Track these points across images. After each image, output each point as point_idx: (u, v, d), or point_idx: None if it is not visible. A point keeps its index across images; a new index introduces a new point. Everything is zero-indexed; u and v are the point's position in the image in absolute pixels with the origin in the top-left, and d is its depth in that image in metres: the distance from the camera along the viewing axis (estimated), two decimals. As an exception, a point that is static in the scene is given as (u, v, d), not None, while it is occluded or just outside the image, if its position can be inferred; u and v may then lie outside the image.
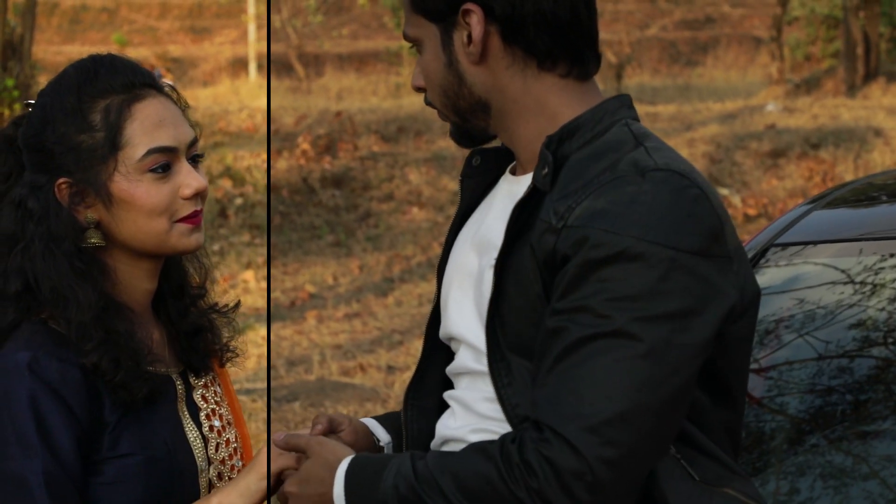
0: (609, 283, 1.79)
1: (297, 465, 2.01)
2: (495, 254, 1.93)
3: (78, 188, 2.10)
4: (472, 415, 1.97)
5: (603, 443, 1.76)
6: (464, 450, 1.87)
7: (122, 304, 2.13)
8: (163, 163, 2.11)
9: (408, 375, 7.93)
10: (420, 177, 12.34)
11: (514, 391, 1.90)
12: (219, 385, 2.27)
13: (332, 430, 2.12)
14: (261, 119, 13.76)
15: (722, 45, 25.35)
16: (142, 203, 2.10)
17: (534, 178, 1.90)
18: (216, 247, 11.13)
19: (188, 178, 2.13)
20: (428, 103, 2.04)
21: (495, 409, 1.94)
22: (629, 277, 1.79)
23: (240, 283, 10.23)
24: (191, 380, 2.22)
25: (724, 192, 11.91)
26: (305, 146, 12.24)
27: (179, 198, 2.12)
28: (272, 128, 13.28)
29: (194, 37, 26.77)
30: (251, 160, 12.32)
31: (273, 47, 24.00)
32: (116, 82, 2.12)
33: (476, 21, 1.92)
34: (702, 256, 1.82)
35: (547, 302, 1.86)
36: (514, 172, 2.04)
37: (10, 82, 11.87)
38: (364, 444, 2.13)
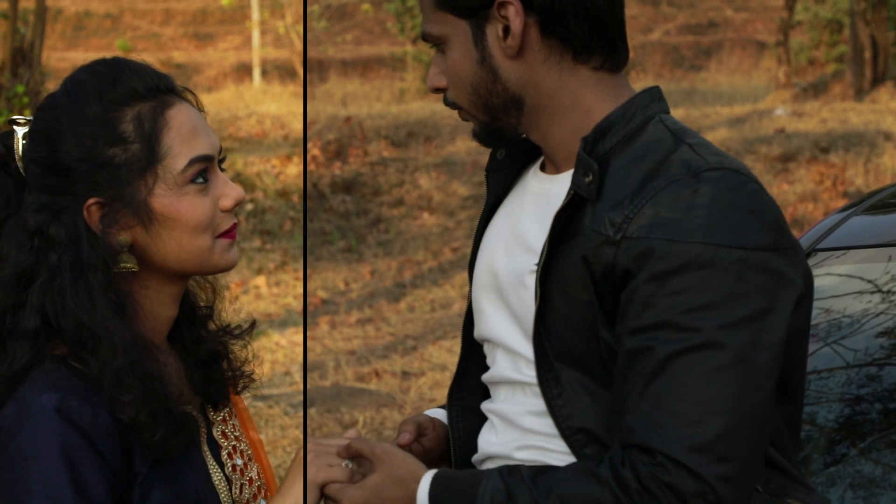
0: (685, 295, 1.74)
1: (350, 479, 1.90)
2: (533, 258, 1.88)
3: (110, 208, 1.87)
4: (516, 430, 1.93)
5: (717, 460, 1.71)
6: (565, 472, 1.80)
7: (147, 340, 1.90)
8: (203, 172, 1.90)
9: (423, 381, 7.95)
10: (430, 182, 12.32)
11: (565, 402, 1.86)
12: (235, 417, 2.09)
13: (420, 435, 2.06)
14: (270, 124, 13.70)
15: (725, 50, 25.34)
16: (187, 218, 1.88)
17: (574, 184, 1.84)
18: (227, 253, 11.11)
19: (225, 189, 1.94)
20: (450, 104, 1.96)
21: (542, 424, 1.89)
22: (704, 285, 1.74)
23: (251, 289, 10.20)
24: (209, 415, 2.04)
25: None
26: (316, 152, 12.21)
27: (219, 210, 1.93)
28: (282, 133, 13.26)
29: (198, 43, 26.77)
30: (261, 166, 12.28)
31: (276, 53, 24.01)
32: (141, 87, 1.89)
33: (514, 13, 1.85)
34: (771, 251, 1.77)
35: (601, 313, 1.81)
36: (542, 168, 1.99)
37: (20, 88, 11.88)
38: (445, 446, 2.08)
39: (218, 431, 2.03)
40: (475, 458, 2.01)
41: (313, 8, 21.78)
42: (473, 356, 2.06)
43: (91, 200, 1.86)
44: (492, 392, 2.00)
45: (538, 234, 1.90)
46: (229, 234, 1.95)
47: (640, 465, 1.73)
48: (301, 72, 21.25)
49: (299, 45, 21.56)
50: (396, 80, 21.68)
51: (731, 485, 1.71)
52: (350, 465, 1.91)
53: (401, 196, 12.15)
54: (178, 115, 1.89)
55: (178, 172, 1.88)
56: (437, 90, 1.96)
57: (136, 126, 1.87)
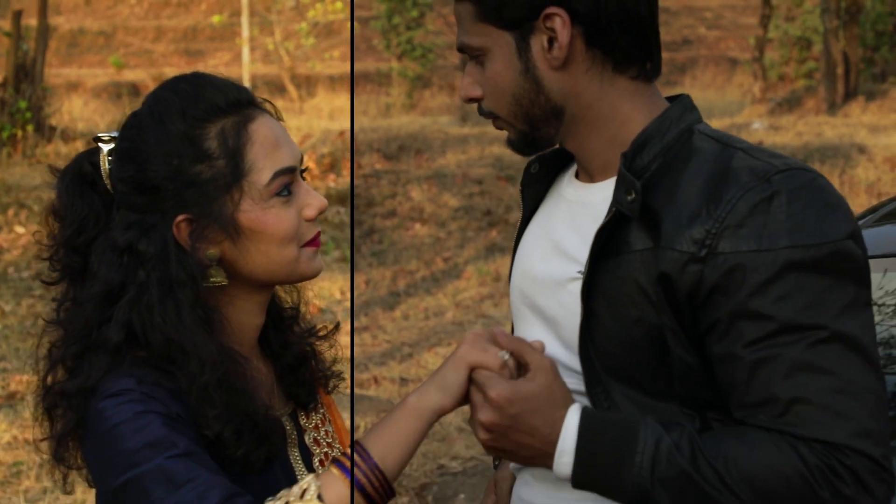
0: (790, 298, 1.70)
1: (501, 370, 1.77)
2: (574, 266, 1.85)
3: (199, 224, 1.83)
4: None
5: (878, 441, 1.69)
6: (737, 440, 1.73)
7: (234, 352, 1.86)
8: (287, 185, 1.86)
9: (423, 387, 7.99)
10: (422, 194, 12.31)
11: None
12: (329, 422, 2.05)
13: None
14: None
15: (699, 66, 25.46)
16: (273, 230, 1.84)
17: (616, 201, 1.79)
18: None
19: (308, 198, 1.89)
20: (486, 114, 1.92)
21: None
22: (803, 286, 1.70)
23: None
24: (301, 420, 2.00)
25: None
26: (310, 164, 12.19)
27: (303, 220, 1.89)
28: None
29: (189, 59, 26.73)
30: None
31: (266, 69, 24.02)
32: (222, 103, 1.85)
33: (561, 25, 1.81)
34: (850, 239, 1.74)
35: (681, 331, 1.76)
36: (577, 176, 1.96)
37: (22, 104, 11.84)
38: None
39: (310, 438, 2.00)
40: (512, 465, 1.98)
41: (301, 25, 21.79)
42: None
43: (180, 217, 1.83)
44: None
45: (576, 242, 1.87)
46: (314, 242, 1.90)
47: (816, 449, 1.69)
48: (290, 88, 21.25)
49: (288, 62, 21.56)
50: (382, 94, 21.71)
51: (890, 461, 1.70)
52: (506, 358, 1.78)
53: (393, 207, 12.14)
54: (261, 129, 1.85)
55: (262, 186, 1.84)
56: (471, 100, 1.92)
57: (220, 142, 1.83)
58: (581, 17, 1.81)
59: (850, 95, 17.60)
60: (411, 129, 14.04)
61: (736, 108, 19.15)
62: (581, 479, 1.75)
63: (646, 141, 1.83)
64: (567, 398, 1.77)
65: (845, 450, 1.68)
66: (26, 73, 12.12)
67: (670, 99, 1.93)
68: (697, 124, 1.87)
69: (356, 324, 9.46)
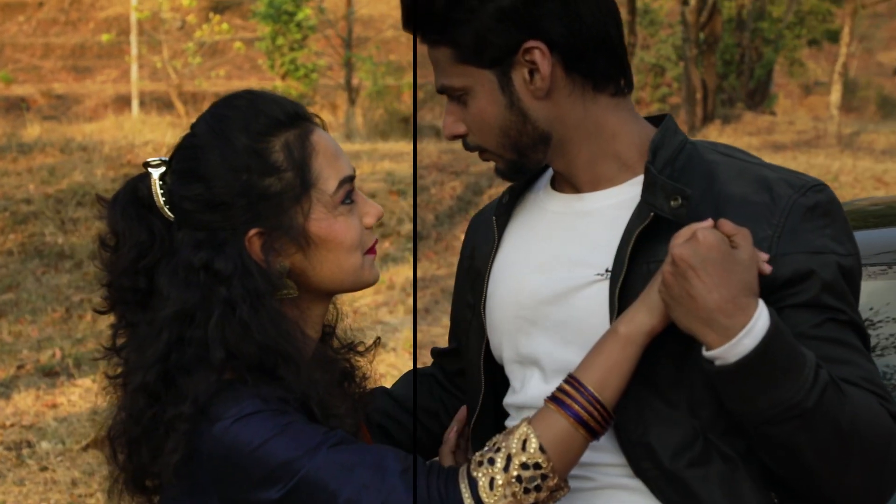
0: (846, 296, 1.79)
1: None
2: (589, 270, 1.84)
3: (270, 237, 1.77)
4: None
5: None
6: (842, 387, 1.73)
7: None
8: (350, 193, 1.82)
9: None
10: (318, 206, 12.27)
11: (629, 417, 1.79)
12: (362, 436, 1.94)
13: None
14: (166, 153, 13.43)
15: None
16: (342, 239, 1.80)
17: (653, 206, 1.78)
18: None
19: (366, 207, 1.85)
20: (472, 148, 1.88)
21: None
22: (853, 288, 1.81)
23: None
24: None
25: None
26: (212, 178, 12.07)
27: (364, 228, 1.85)
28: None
29: (77, 75, 26.27)
30: (160, 191, 12.07)
31: (154, 86, 23.73)
32: (282, 116, 1.80)
33: (541, 56, 1.79)
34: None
35: None
36: (559, 189, 1.94)
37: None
38: None
39: None
40: None
41: (188, 45, 21.59)
42: (492, 391, 1.99)
43: (252, 231, 1.77)
44: (518, 414, 1.90)
45: (583, 248, 1.86)
46: (373, 249, 1.87)
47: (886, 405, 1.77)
48: (178, 104, 21.05)
49: (176, 79, 21.32)
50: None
51: None
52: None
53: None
54: (321, 140, 1.82)
55: (330, 195, 1.80)
56: (455, 137, 1.88)
57: (286, 154, 1.78)
58: (558, 46, 1.80)
59: (707, 119, 18.06)
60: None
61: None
62: (746, 367, 1.67)
63: (656, 150, 1.84)
64: (758, 290, 1.69)
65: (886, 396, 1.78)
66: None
67: (649, 119, 1.95)
68: (687, 139, 1.89)
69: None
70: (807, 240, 1.77)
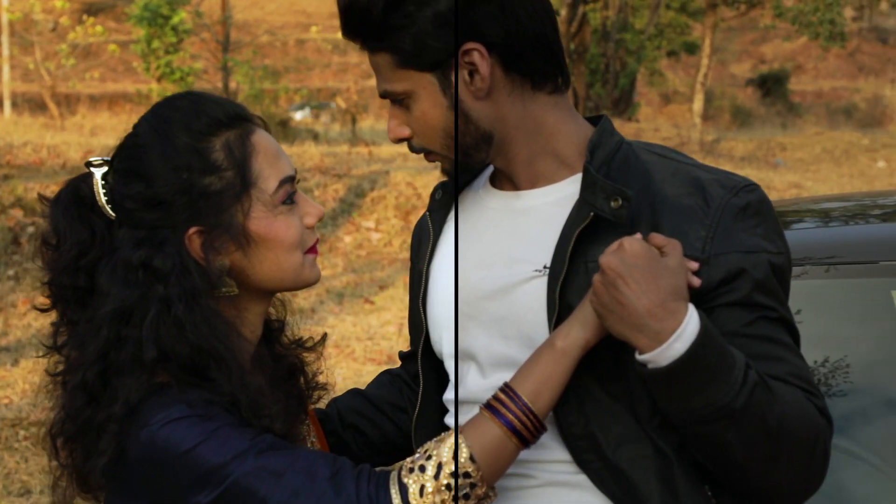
0: (776, 293, 1.80)
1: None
2: (527, 266, 1.83)
3: (210, 235, 1.75)
4: None
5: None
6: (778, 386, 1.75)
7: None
8: (291, 193, 1.81)
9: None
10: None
11: (570, 410, 1.79)
12: (313, 434, 1.96)
13: None
14: (46, 153, 13.17)
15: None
16: (282, 237, 1.78)
17: (593, 206, 1.78)
18: (11, 272, 10.58)
19: (307, 207, 1.84)
20: (417, 150, 1.87)
21: None
22: (784, 285, 1.83)
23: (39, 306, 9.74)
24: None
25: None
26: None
27: (304, 227, 1.83)
28: (59, 162, 12.75)
29: (-54, 75, 25.39)
30: (41, 191, 11.78)
31: (26, 87, 23.11)
32: (223, 116, 1.79)
33: (479, 58, 1.78)
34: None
35: None
36: (499, 187, 1.93)
37: None
38: None
39: None
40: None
41: (62, 47, 21.07)
42: (432, 385, 1.99)
43: (192, 230, 1.74)
44: (460, 410, 1.88)
45: (522, 245, 1.86)
46: (314, 249, 1.85)
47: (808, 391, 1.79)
48: (51, 105, 20.51)
49: (49, 81, 20.81)
50: (142, 114, 21.23)
51: None
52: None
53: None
54: (261, 140, 1.80)
55: (270, 195, 1.78)
56: (400, 140, 1.87)
57: (226, 154, 1.76)
58: (496, 46, 1.79)
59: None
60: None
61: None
62: (677, 370, 1.67)
63: (593, 150, 1.84)
64: (687, 295, 1.70)
65: (814, 391, 1.80)
66: None
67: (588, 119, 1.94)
68: (623, 140, 1.90)
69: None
70: (739, 239, 1.78)
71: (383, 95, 1.84)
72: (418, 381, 2.11)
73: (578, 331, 1.72)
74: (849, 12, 24.85)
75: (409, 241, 12.78)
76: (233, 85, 21.39)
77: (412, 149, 1.87)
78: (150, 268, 1.72)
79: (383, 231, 12.34)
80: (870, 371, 2.97)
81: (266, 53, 24.59)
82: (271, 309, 1.92)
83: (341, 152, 15.80)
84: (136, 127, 1.80)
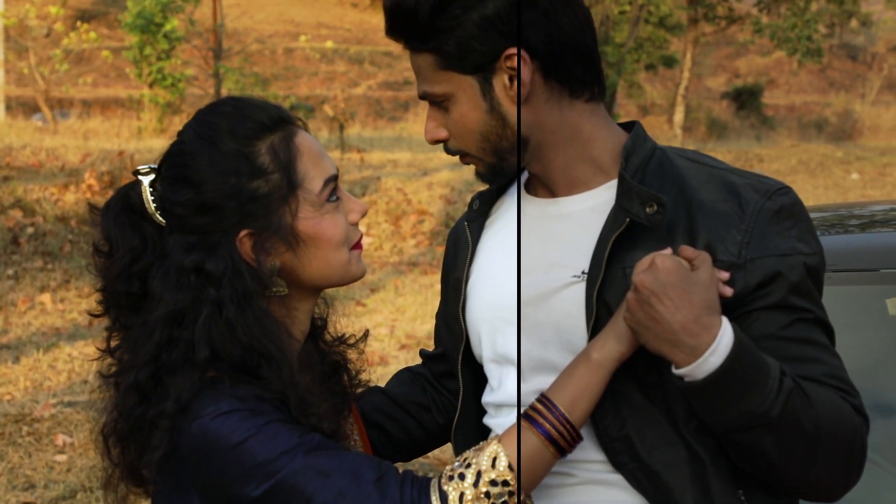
0: (812, 294, 1.80)
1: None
2: (566, 271, 1.82)
3: (261, 237, 1.76)
4: None
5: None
6: (815, 388, 1.75)
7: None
8: (335, 191, 1.82)
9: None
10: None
11: (606, 412, 1.79)
12: (357, 432, 1.97)
13: None
14: (45, 156, 13.11)
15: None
16: (330, 236, 1.79)
17: (629, 212, 1.77)
18: (10, 271, 10.53)
19: (351, 204, 1.85)
20: (453, 152, 1.87)
21: None
22: (818, 285, 1.82)
23: (37, 305, 9.71)
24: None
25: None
26: (91, 181, 11.76)
27: (349, 224, 1.84)
28: (57, 164, 12.69)
29: (-59, 78, 25.22)
30: (39, 193, 11.73)
31: (20, 91, 22.96)
32: (267, 120, 1.79)
33: (522, 63, 1.78)
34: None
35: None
36: (534, 194, 1.92)
37: None
38: None
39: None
40: None
41: (56, 52, 20.97)
42: (472, 390, 1.99)
43: (243, 233, 1.76)
44: (499, 413, 1.91)
45: (560, 251, 1.85)
46: (359, 245, 1.87)
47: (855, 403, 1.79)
48: (45, 109, 20.42)
49: (43, 85, 20.71)
50: (134, 119, 21.11)
51: None
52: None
53: (168, 222, 11.84)
54: (304, 142, 1.82)
55: (316, 194, 1.79)
56: (436, 142, 1.88)
57: (272, 157, 1.77)
58: (538, 53, 1.79)
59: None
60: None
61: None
62: (713, 383, 1.67)
63: (628, 156, 1.83)
64: (720, 308, 1.69)
65: (852, 391, 1.80)
66: None
67: (622, 125, 1.94)
68: (657, 145, 1.89)
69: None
70: (775, 243, 1.77)
71: (422, 97, 1.84)
72: (445, 381, 2.13)
73: (613, 343, 1.72)
74: (821, 29, 25.02)
75: (399, 245, 12.81)
76: (224, 91, 21.33)
77: (448, 150, 1.87)
78: (203, 271, 1.73)
79: (374, 235, 12.32)
80: (866, 377, 3.01)
81: (255, 61, 24.55)
82: (315, 308, 1.92)
83: (333, 158, 15.71)
84: (181, 134, 1.81)
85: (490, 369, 1.94)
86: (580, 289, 1.81)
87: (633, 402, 1.78)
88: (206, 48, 21.92)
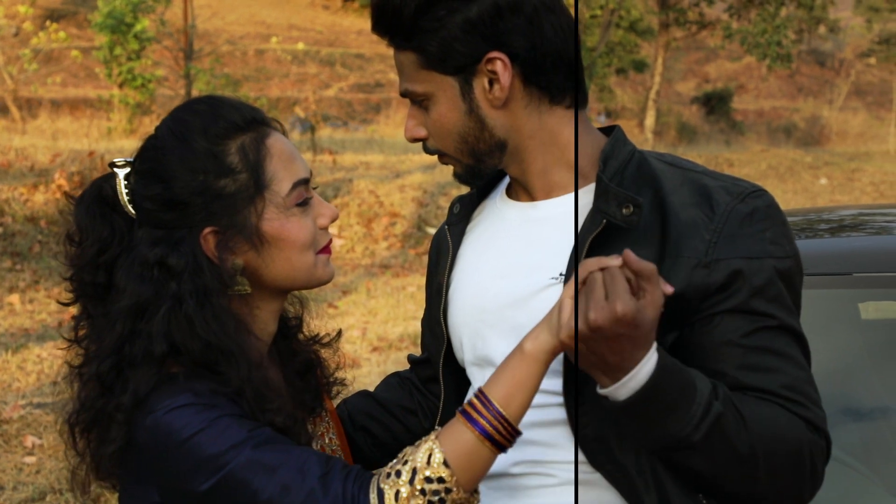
0: (780, 300, 1.78)
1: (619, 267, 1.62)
2: (546, 274, 1.82)
3: (225, 235, 1.77)
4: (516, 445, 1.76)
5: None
6: (755, 405, 1.73)
7: (264, 356, 1.81)
8: (305, 195, 1.83)
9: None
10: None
11: (584, 412, 1.79)
12: (332, 430, 1.98)
13: None
14: (14, 155, 13.01)
15: (392, 106, 25.88)
16: (294, 238, 1.80)
17: (606, 214, 1.78)
18: (-20, 270, 10.45)
19: (321, 208, 1.86)
20: (431, 151, 1.88)
21: (546, 434, 1.83)
22: (791, 289, 1.80)
23: (6, 306, 9.63)
24: (308, 427, 1.90)
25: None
26: (61, 181, 11.67)
27: (318, 228, 1.85)
28: (27, 164, 12.59)
29: None
30: (9, 193, 11.62)
31: (-12, 90, 22.76)
32: (240, 120, 1.79)
33: (502, 67, 1.79)
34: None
35: (667, 321, 1.73)
36: (514, 197, 1.93)
37: None
38: None
39: (317, 445, 1.92)
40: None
41: (25, 51, 20.83)
42: (453, 391, 1.99)
43: (207, 230, 1.77)
44: None
45: (539, 254, 1.85)
46: (327, 249, 1.87)
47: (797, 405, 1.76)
48: (13, 109, 20.27)
49: (11, 84, 20.57)
50: (103, 119, 21.00)
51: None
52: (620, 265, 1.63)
53: (138, 222, 11.76)
54: (276, 144, 1.81)
55: (283, 197, 1.80)
56: (415, 140, 1.88)
57: (241, 157, 1.78)
58: (519, 58, 1.80)
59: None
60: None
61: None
62: (633, 406, 1.66)
63: (606, 160, 1.84)
64: (654, 338, 1.65)
65: (808, 404, 1.77)
66: None
67: (602, 130, 1.94)
68: (636, 149, 1.90)
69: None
70: (745, 245, 1.77)
71: (404, 94, 1.85)
72: (431, 385, 2.15)
73: (547, 336, 1.67)
74: (790, 35, 25.22)
75: (371, 247, 12.76)
76: (195, 93, 21.23)
77: (426, 150, 1.88)
78: (165, 265, 1.74)
79: (346, 237, 12.30)
80: (838, 381, 3.02)
81: (226, 62, 24.45)
82: (290, 307, 1.95)
83: (305, 160, 15.70)
84: (157, 129, 1.82)
85: (472, 372, 1.95)
86: (558, 291, 1.81)
87: (606, 405, 1.75)
88: (176, 49, 21.83)
